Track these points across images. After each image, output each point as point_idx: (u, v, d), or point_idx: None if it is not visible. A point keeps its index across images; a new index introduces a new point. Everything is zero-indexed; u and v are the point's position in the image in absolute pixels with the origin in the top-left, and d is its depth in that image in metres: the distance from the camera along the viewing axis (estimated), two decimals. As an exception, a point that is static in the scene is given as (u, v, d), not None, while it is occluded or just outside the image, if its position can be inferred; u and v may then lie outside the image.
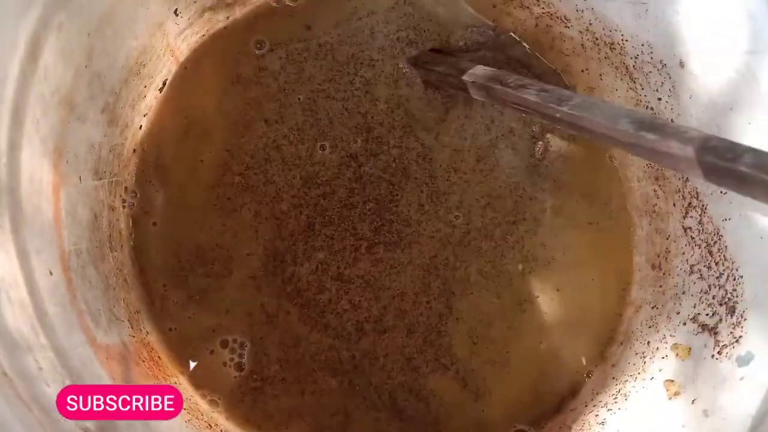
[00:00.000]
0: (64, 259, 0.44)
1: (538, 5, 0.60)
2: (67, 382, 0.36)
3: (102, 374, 0.42)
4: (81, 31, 0.45)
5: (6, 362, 0.31)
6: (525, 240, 0.61)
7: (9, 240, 0.37)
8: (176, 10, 0.54)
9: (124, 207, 0.58)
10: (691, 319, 0.53)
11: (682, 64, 0.52)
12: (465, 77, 0.55)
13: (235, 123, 0.60)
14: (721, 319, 0.50)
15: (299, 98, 0.61)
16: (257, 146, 0.60)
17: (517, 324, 0.60)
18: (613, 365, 0.58)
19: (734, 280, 0.49)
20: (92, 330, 0.44)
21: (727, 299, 0.50)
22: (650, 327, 0.56)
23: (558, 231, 0.62)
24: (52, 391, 0.33)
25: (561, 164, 0.63)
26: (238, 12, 0.61)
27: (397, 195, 0.61)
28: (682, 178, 0.56)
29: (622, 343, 0.58)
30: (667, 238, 0.58)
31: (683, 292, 0.54)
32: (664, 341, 0.54)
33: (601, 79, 0.61)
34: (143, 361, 0.51)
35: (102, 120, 0.51)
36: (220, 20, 0.60)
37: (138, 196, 0.59)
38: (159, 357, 0.56)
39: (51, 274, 0.41)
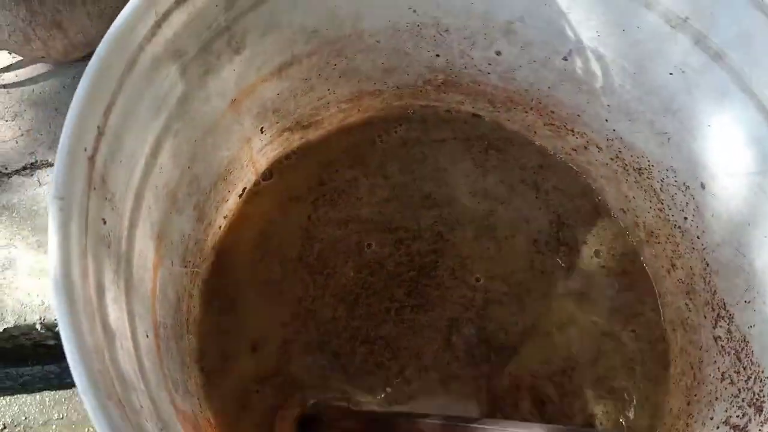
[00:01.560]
0: (156, 328, 0.51)
1: (574, 135, 0.68)
2: (159, 426, 0.41)
3: (180, 431, 0.47)
4: (190, 138, 0.54)
5: (121, 392, 0.37)
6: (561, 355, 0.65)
7: (122, 299, 0.44)
8: (262, 128, 0.64)
9: (199, 296, 0.64)
10: (723, 422, 0.55)
11: (703, 186, 0.58)
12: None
13: (298, 230, 0.68)
14: (750, 419, 0.52)
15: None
16: (315, 251, 0.67)
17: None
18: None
19: (761, 381, 0.52)
20: (173, 393, 0.50)
21: (755, 400, 0.52)
22: None
23: (592, 340, 0.66)
24: (149, 426, 0.39)
25: (597, 277, 0.68)
26: (311, 134, 0.71)
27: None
28: (710, 290, 0.61)
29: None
30: (700, 349, 0.61)
31: (716, 398, 0.57)
32: (699, 443, 0.56)
33: (630, 201, 0.68)
34: (210, 433, 0.55)
35: (193, 215, 0.59)
36: (295, 140, 0.70)
37: (208, 288, 0.65)
38: (219, 436, 0.60)
39: (147, 336, 0.48)
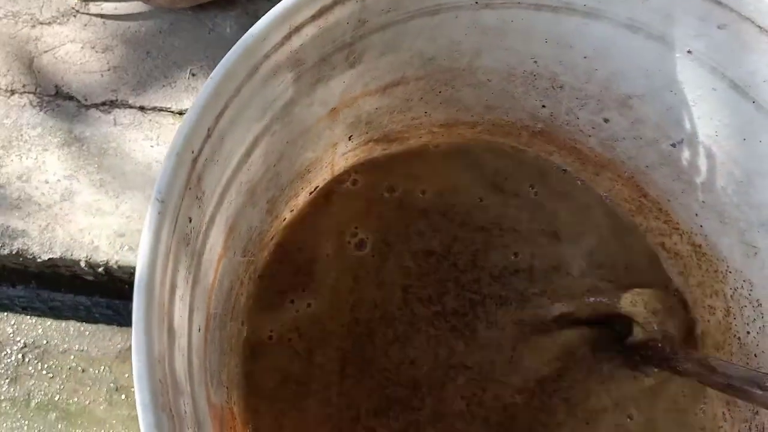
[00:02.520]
0: (208, 320, 0.51)
1: (658, 218, 0.66)
2: (195, 430, 0.41)
3: (210, 431, 0.47)
4: (283, 139, 0.53)
5: (173, 400, 0.37)
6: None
7: (188, 295, 0.44)
8: (351, 136, 0.63)
9: (250, 283, 0.64)
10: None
11: (777, 310, 0.56)
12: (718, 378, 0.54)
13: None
14: None
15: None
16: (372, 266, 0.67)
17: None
18: None
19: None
20: (209, 387, 0.50)
21: None
22: None
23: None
24: (189, 435, 0.39)
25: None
26: (395, 148, 0.70)
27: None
28: (752, 409, 0.59)
29: None
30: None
31: None
32: None
33: (695, 297, 0.66)
34: (230, 429, 0.56)
35: (265, 208, 0.59)
36: (377, 150, 0.69)
37: (260, 276, 0.66)
38: (237, 428, 0.60)
39: (199, 330, 0.48)
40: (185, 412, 0.39)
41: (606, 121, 0.62)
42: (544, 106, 0.64)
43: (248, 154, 0.49)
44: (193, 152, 0.38)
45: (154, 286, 0.35)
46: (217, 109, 0.39)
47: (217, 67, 0.38)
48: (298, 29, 0.42)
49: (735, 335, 0.62)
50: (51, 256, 0.77)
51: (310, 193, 0.68)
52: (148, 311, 0.34)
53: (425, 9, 0.50)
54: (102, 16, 0.86)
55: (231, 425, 0.56)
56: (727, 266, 0.61)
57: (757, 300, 0.59)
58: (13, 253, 0.77)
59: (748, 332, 0.61)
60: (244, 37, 0.39)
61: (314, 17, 0.43)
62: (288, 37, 0.42)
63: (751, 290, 0.59)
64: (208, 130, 0.39)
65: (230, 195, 0.49)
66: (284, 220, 0.67)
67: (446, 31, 0.53)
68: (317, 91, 0.52)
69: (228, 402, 0.58)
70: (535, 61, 0.57)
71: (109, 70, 0.84)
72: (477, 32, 0.54)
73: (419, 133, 0.69)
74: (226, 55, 0.38)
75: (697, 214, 0.62)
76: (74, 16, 0.86)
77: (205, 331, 0.50)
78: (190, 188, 0.39)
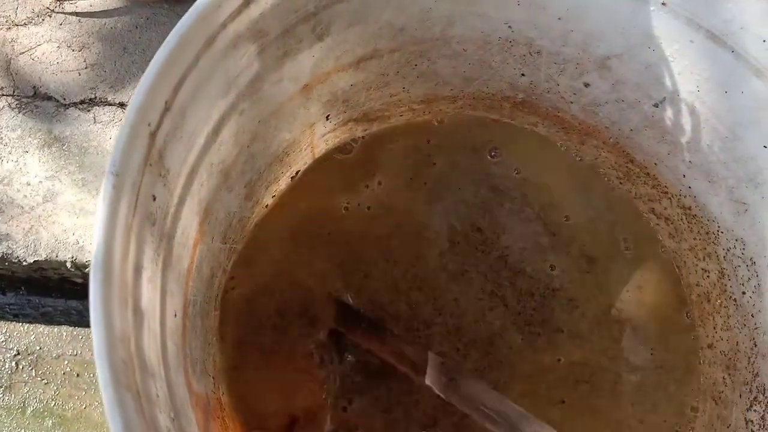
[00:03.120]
0: (186, 307, 0.49)
1: (645, 182, 0.65)
2: (171, 415, 0.40)
3: (191, 418, 0.46)
4: (254, 118, 0.52)
5: (140, 382, 0.35)
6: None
7: (158, 278, 0.42)
8: (328, 115, 0.62)
9: (233, 271, 0.63)
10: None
11: (771, 265, 0.55)
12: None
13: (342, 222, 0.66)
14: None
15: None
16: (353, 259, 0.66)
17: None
18: None
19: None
20: (190, 374, 0.48)
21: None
22: None
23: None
24: (161, 418, 0.38)
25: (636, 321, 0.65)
26: (375, 127, 0.68)
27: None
28: (752, 371, 0.58)
29: None
30: (728, 427, 0.59)
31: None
32: None
33: (688, 260, 0.64)
34: (218, 418, 0.54)
35: (242, 193, 0.58)
36: (358, 130, 0.68)
37: (245, 265, 0.64)
38: (227, 419, 0.59)
39: (175, 315, 0.46)
40: (157, 395, 0.38)
41: (586, 85, 0.60)
42: (523, 75, 0.62)
43: (216, 132, 0.47)
44: (149, 125, 0.37)
45: (112, 263, 0.34)
46: (173, 80, 0.38)
47: (170, 35, 0.37)
48: (255, -4, 0.41)
49: (731, 297, 0.61)
50: (36, 259, 0.76)
51: (292, 178, 0.66)
52: (106, 288, 0.33)
53: (390, -25, 0.49)
54: (77, 14, 0.86)
55: (218, 415, 0.55)
56: (718, 226, 0.60)
57: (751, 258, 0.57)
58: (-2, 257, 0.76)
59: (744, 292, 0.59)
60: (196, 4, 0.37)
61: (271, -16, 0.41)
62: (245, 4, 0.41)
63: (743, 249, 0.58)
64: (166, 102, 0.38)
65: (200, 176, 0.48)
66: (266, 206, 0.65)
67: (415, -2, 0.52)
68: (285, 66, 0.51)
69: (215, 391, 0.57)
70: (510, 27, 0.56)
71: (86, 68, 0.83)
72: (447, -2, 0.52)
73: (399, 111, 0.68)
74: (179, 22, 0.37)
75: (684, 176, 0.61)
76: (49, 15, 0.85)
77: (183, 317, 0.49)
78: (150, 164, 0.38)
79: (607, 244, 0.67)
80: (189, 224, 0.48)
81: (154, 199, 0.40)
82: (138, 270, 0.38)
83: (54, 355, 0.87)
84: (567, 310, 0.65)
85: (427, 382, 0.59)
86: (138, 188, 0.37)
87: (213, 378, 0.57)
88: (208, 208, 0.51)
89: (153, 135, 0.38)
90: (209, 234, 0.54)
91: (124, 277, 0.36)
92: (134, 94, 0.35)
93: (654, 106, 0.58)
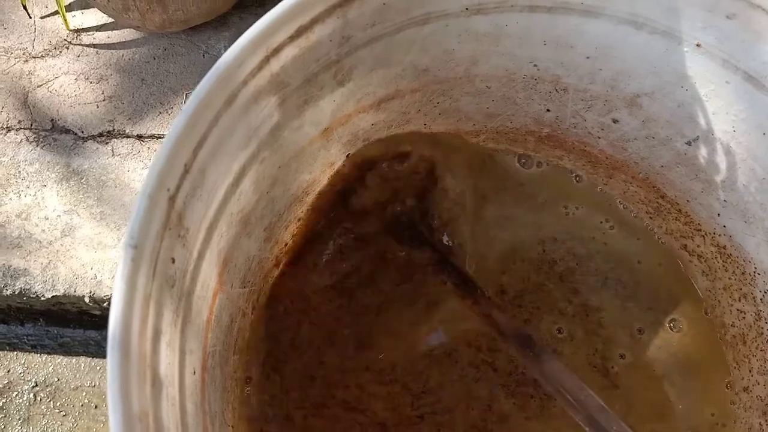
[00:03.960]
0: (204, 360, 0.48)
1: (677, 219, 0.62)
2: (193, 484, 0.39)
3: (212, 478, 0.45)
4: (275, 164, 0.51)
5: (160, 458, 0.34)
6: None
7: (177, 339, 0.41)
8: (348, 153, 0.60)
9: (252, 314, 0.62)
10: None
11: (810, 308, 0.53)
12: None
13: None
14: None
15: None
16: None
17: None
18: None
19: None
20: (209, 431, 0.47)
21: None
22: None
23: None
24: (184, 492, 0.36)
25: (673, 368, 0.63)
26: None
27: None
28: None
29: None
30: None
31: None
32: None
33: (721, 301, 0.62)
34: (238, 468, 0.53)
35: (262, 236, 0.56)
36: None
37: (265, 306, 0.63)
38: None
39: (194, 373, 0.45)
40: (178, 466, 0.37)
41: (615, 121, 0.58)
42: (548, 110, 0.61)
43: (236, 184, 0.46)
44: (168, 190, 0.36)
45: (130, 339, 0.33)
46: (193, 143, 0.37)
47: (189, 99, 0.35)
48: (276, 51, 0.40)
49: (766, 339, 0.59)
50: (54, 294, 0.76)
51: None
52: (124, 367, 0.32)
53: (413, 20, 0.47)
54: (94, 45, 0.85)
55: (239, 465, 0.54)
56: (755, 267, 0.58)
57: (789, 301, 0.55)
58: (16, 293, 0.75)
59: (782, 336, 0.57)
60: (216, 65, 0.36)
61: (292, 38, 0.40)
62: (266, 60, 0.40)
63: (782, 291, 0.56)
64: (185, 165, 0.37)
65: (220, 228, 0.47)
66: (285, 245, 0.64)
67: (438, 40, 0.50)
68: (306, 113, 0.49)
69: (235, 440, 0.56)
70: (535, 65, 0.54)
71: (104, 100, 0.82)
72: (470, 39, 0.51)
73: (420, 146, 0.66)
74: (199, 85, 0.36)
75: (719, 214, 0.58)
76: (66, 47, 0.85)
77: (201, 372, 0.48)
78: (170, 229, 0.37)
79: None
80: (208, 277, 0.47)
81: (173, 261, 0.39)
82: (157, 336, 0.37)
83: (72, 386, 0.87)
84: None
85: (512, 352, 0.59)
86: (157, 255, 0.36)
87: (232, 427, 0.56)
88: (227, 257, 0.50)
89: (172, 199, 0.37)
90: (228, 282, 0.52)
91: (143, 349, 0.35)
92: (153, 162, 0.34)
93: (686, 144, 0.56)
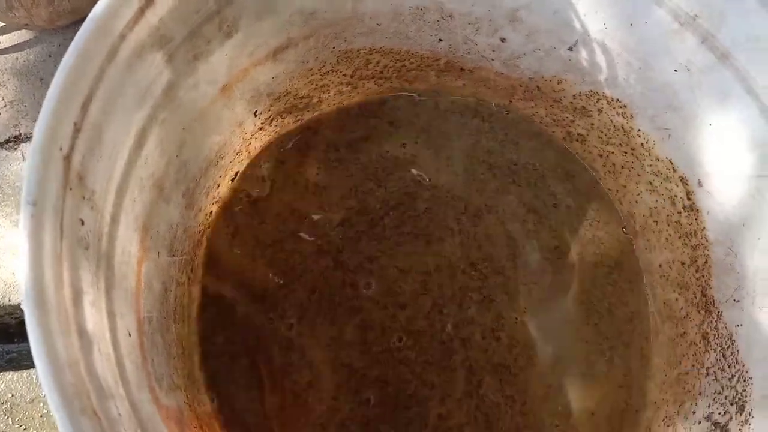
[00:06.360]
0: (140, 324, 0.49)
1: (573, 126, 0.66)
2: (138, 431, 0.40)
3: (164, 430, 0.46)
4: (177, 126, 0.52)
5: (96, 403, 0.35)
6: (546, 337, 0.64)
7: (102, 300, 0.42)
8: (256, 111, 0.62)
9: (189, 283, 0.63)
10: (705, 418, 0.55)
11: (700, 184, 0.57)
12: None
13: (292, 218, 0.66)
14: (731, 417, 0.52)
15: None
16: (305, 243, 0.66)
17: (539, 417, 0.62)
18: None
19: (744, 381, 0.52)
20: (156, 390, 0.48)
21: (737, 399, 0.52)
22: (668, 426, 0.58)
23: (578, 332, 0.65)
24: (129, 436, 0.38)
25: (587, 263, 0.67)
26: (308, 116, 0.68)
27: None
28: (701, 287, 0.60)
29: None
30: (687, 343, 0.61)
31: (699, 393, 0.57)
32: (681, 439, 0.56)
33: (627, 192, 0.66)
34: (195, 428, 0.54)
35: (182, 203, 0.57)
36: (290, 123, 0.68)
37: (201, 275, 0.64)
38: (205, 428, 0.59)
39: (129, 335, 0.46)
40: (119, 414, 0.38)
41: (503, 40, 0.61)
42: (441, 40, 0.63)
43: (139, 146, 0.47)
44: (62, 149, 0.37)
45: (45, 293, 0.34)
46: (78, 100, 0.38)
47: (67, 52, 0.36)
48: (149, 2, 0.41)
49: (670, 219, 0.62)
50: (-12, 305, 0.75)
51: (232, 180, 0.66)
52: (42, 318, 0.33)
53: (287, -39, 0.49)
54: (-13, 53, 0.83)
55: (195, 425, 0.55)
56: (649, 154, 0.61)
57: (681, 178, 0.59)
58: (-50, 312, 0.74)
59: (680, 212, 0.61)
60: (90, 17, 0.37)
61: (163, -12, 0.41)
62: (141, 12, 0.40)
63: (674, 168, 0.59)
64: (75, 123, 0.38)
65: (132, 193, 0.48)
66: (211, 212, 0.65)
67: (318, -20, 0.52)
68: (199, 70, 0.50)
69: (190, 402, 0.57)
70: (416, -6, 0.56)
71: (5, 106, 0.81)
72: (348, -25, 0.52)
73: (328, 96, 0.68)
74: (75, 38, 0.37)
75: (607, 112, 0.62)
76: (-41, 59, 0.83)
77: (139, 336, 0.48)
78: (70, 188, 0.38)
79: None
80: (128, 242, 0.48)
81: (83, 223, 0.40)
82: (78, 294, 0.38)
83: (28, 399, 0.86)
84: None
85: None
86: (61, 215, 0.37)
87: (184, 390, 0.57)
88: (146, 224, 0.51)
89: (67, 158, 0.38)
90: (153, 249, 0.53)
91: (62, 305, 0.35)
92: (39, 118, 0.35)
93: (569, 50, 0.59)
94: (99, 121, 0.40)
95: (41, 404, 0.86)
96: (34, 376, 0.87)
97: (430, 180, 0.68)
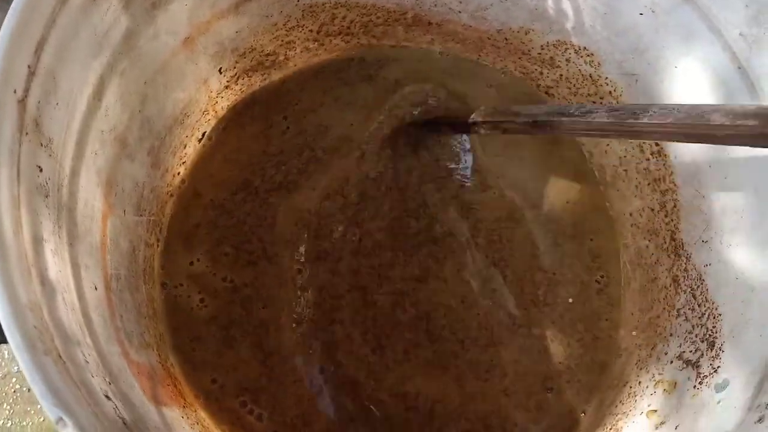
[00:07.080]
0: (107, 280, 0.48)
1: (543, 77, 0.66)
2: (107, 379, 0.40)
3: (134, 383, 0.45)
4: (139, 78, 0.51)
5: (62, 348, 0.35)
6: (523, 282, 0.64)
7: (65, 250, 0.41)
8: (221, 68, 0.61)
9: (158, 245, 0.62)
10: (677, 357, 0.56)
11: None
12: (521, 118, 0.57)
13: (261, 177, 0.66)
14: (702, 354, 0.53)
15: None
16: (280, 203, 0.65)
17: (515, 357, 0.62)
18: (607, 404, 0.60)
19: (714, 318, 0.53)
20: (126, 346, 0.48)
21: (708, 336, 0.53)
22: (641, 369, 0.58)
23: (553, 282, 0.65)
24: (95, 381, 0.37)
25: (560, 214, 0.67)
26: (275, 75, 0.67)
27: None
28: (670, 230, 0.60)
29: (615, 386, 0.60)
30: (658, 287, 0.61)
31: (671, 334, 0.57)
32: (652, 379, 0.56)
33: (596, 141, 0.66)
34: (168, 385, 0.54)
35: (147, 161, 0.56)
36: (257, 81, 0.67)
37: (168, 236, 0.63)
38: (181, 388, 0.59)
39: (96, 289, 0.45)
40: (86, 361, 0.38)
41: (468, -10, 0.61)
42: (405, -8, 0.62)
43: (98, 96, 0.46)
44: (16, 92, 0.36)
45: (3, 235, 0.33)
46: (32, 42, 0.37)
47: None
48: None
49: (638, 165, 0.62)
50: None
51: (199, 141, 0.65)
52: (1, 261, 0.32)
53: None
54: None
55: (168, 382, 0.55)
56: (616, 102, 0.62)
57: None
58: None
59: (648, 158, 0.61)
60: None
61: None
62: (91, -46, 0.39)
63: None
64: (29, 66, 0.37)
65: (92, 145, 0.47)
66: (178, 173, 0.64)
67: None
68: (158, 19, 0.49)
69: (162, 361, 0.56)
70: (378, -58, 0.56)
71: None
72: None
73: (295, 54, 0.67)
74: (23, -19, 0.36)
75: (576, 61, 0.62)
76: None
77: (106, 291, 0.48)
78: (26, 133, 0.37)
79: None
80: (91, 196, 0.47)
81: (41, 170, 0.39)
82: (37, 241, 0.37)
83: (0, 375, 0.85)
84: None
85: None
86: (18, 159, 0.36)
87: (156, 350, 0.56)
88: (110, 179, 0.50)
89: (23, 102, 0.37)
90: (119, 206, 0.52)
91: (21, 249, 0.35)
92: (-10, 59, 0.34)
93: (535, -3, 0.58)
94: (53, 66, 0.39)
95: (14, 380, 0.85)
96: (6, 352, 0.86)
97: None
